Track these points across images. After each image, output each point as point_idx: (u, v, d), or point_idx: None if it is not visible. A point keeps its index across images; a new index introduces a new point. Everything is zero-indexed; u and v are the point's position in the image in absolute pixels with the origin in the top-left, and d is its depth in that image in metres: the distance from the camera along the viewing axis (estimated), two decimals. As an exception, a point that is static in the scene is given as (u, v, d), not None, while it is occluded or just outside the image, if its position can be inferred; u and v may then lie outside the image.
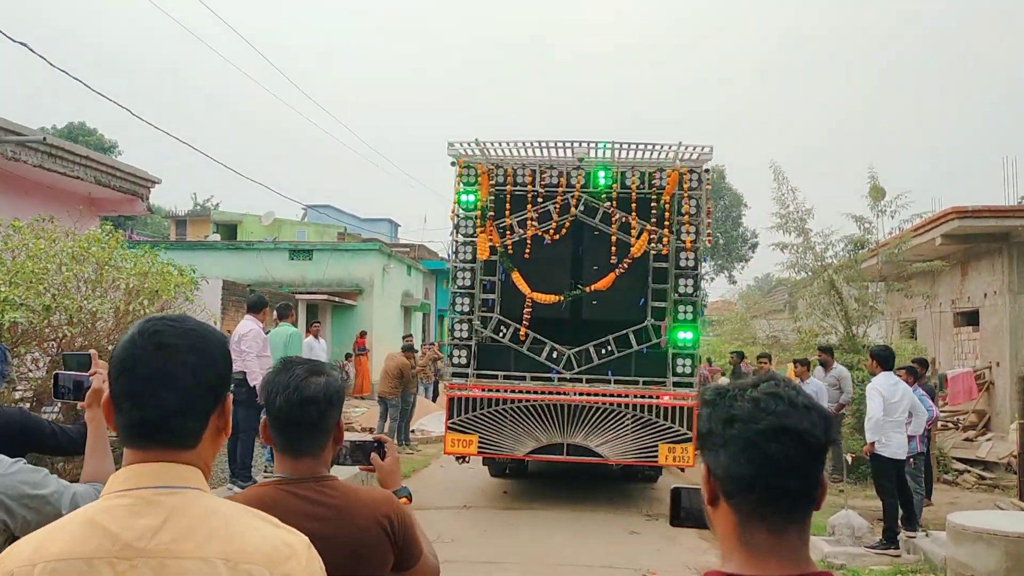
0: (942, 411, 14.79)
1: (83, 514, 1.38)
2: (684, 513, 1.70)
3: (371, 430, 15.59)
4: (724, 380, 29.14)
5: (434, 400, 19.20)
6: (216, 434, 1.49)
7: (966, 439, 14.11)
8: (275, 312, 10.22)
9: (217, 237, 29.23)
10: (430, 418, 17.42)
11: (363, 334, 22.35)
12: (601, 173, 9.77)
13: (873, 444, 8.22)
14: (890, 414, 8.23)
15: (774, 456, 1.35)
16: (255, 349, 8.73)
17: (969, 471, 12.46)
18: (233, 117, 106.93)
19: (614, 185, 9.78)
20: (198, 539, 1.34)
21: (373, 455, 2.37)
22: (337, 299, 22.34)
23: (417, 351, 16.16)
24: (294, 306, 15.27)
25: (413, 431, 15.54)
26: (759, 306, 35.08)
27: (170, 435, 1.41)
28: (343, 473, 7.56)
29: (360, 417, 17.06)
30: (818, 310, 16.28)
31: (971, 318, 17.93)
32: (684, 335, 9.70)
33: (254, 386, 8.58)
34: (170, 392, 1.41)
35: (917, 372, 9.78)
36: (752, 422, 1.38)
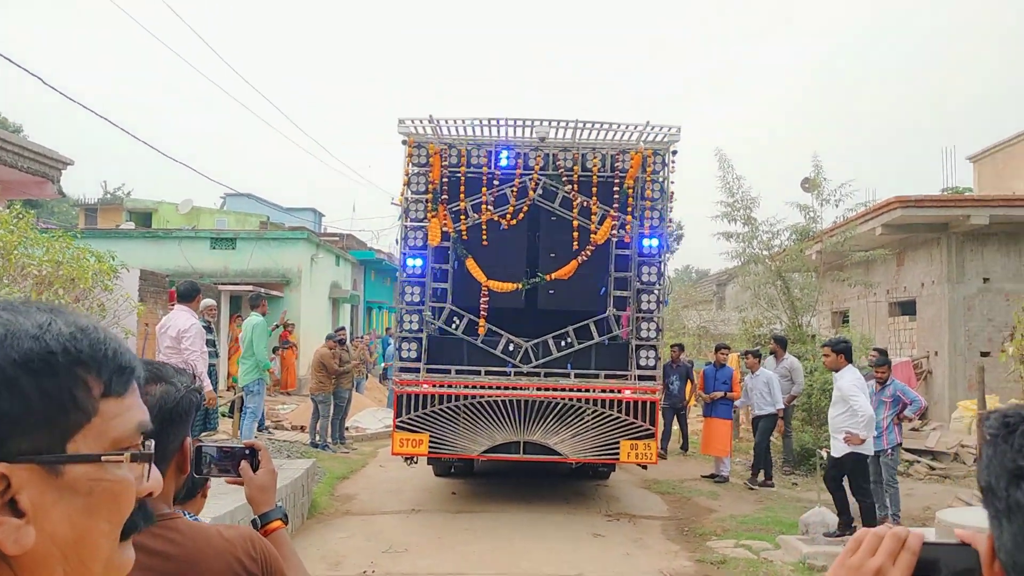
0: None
1: None
2: None
3: (303, 428, 14.75)
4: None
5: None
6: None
7: (913, 429, 14.07)
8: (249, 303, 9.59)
9: (131, 225, 27.69)
10: (364, 414, 16.66)
11: (288, 326, 21.32)
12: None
13: (856, 440, 7.90)
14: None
15: None
16: (198, 347, 7.86)
17: (919, 461, 12.37)
18: (140, 101, 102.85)
19: (575, 167, 9.22)
20: None
21: (243, 466, 1.92)
22: (263, 290, 21.24)
23: (346, 343, 15.28)
24: (208, 296, 14.35)
25: (348, 428, 14.73)
26: (688, 296, 35.35)
27: None
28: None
29: (290, 414, 16.17)
30: (763, 299, 16.11)
31: (907, 307, 18.06)
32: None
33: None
34: None
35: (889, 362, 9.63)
36: None
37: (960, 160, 22.48)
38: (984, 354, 15.20)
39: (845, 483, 8.14)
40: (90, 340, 0.88)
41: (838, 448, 8.01)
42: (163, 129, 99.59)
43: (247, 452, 1.94)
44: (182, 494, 1.82)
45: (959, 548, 1.00)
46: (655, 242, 9.23)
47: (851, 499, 8.11)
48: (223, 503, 6.63)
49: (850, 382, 8.00)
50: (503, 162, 9.21)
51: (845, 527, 7.95)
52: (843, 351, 8.21)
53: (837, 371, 8.23)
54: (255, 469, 1.94)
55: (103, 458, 0.85)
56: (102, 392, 0.87)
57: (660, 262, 9.28)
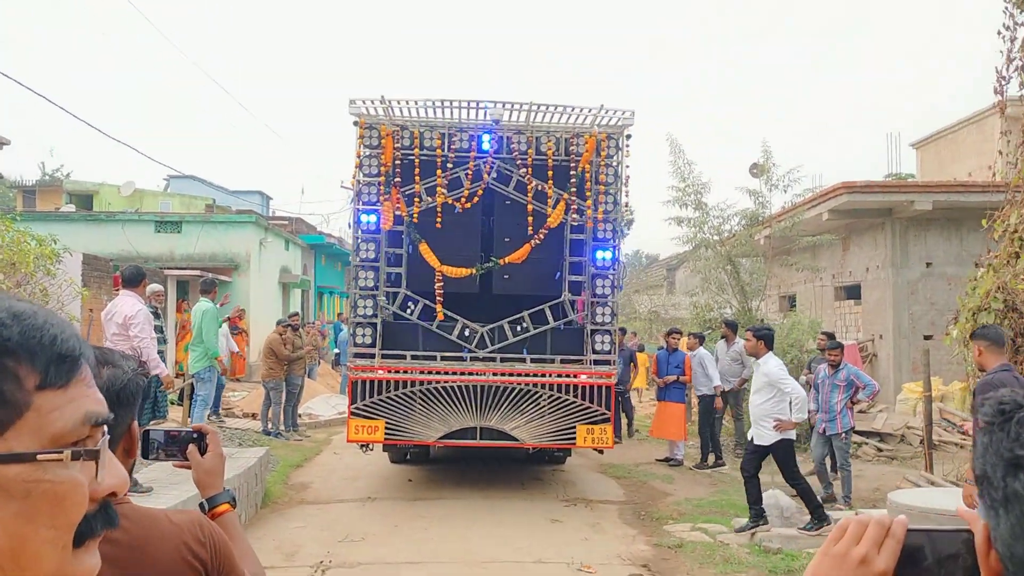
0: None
1: None
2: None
3: (254, 415, 14.53)
4: None
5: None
6: None
7: (860, 411, 14.34)
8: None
9: (72, 208, 26.92)
10: (317, 401, 16.46)
11: (238, 311, 20.96)
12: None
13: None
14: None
15: None
16: (148, 333, 7.58)
17: (867, 443, 12.63)
18: (78, 79, 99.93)
19: (529, 151, 9.16)
20: None
21: (190, 449, 1.93)
22: (210, 275, 20.85)
23: (299, 329, 15.07)
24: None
25: (300, 415, 14.55)
26: (639, 281, 35.63)
27: None
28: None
29: (240, 401, 15.91)
30: (713, 284, 16.29)
31: (852, 292, 18.40)
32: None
33: (157, 375, 7.53)
34: None
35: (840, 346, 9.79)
36: None
37: (905, 146, 22.92)
38: (927, 337, 15.56)
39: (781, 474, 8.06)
40: (22, 327, 0.79)
41: (766, 436, 7.78)
42: (102, 108, 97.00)
43: (195, 436, 1.94)
44: (145, 456, 1.88)
45: (944, 534, 0.99)
46: (608, 226, 9.22)
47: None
48: (176, 493, 6.50)
49: (777, 366, 7.80)
50: (456, 144, 9.11)
51: (758, 517, 7.80)
52: (764, 337, 7.94)
53: (758, 357, 8.01)
54: (203, 453, 1.93)
55: (39, 457, 0.76)
56: (38, 384, 0.78)
57: (614, 247, 9.28)
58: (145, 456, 1.92)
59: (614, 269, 9.29)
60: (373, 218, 9.10)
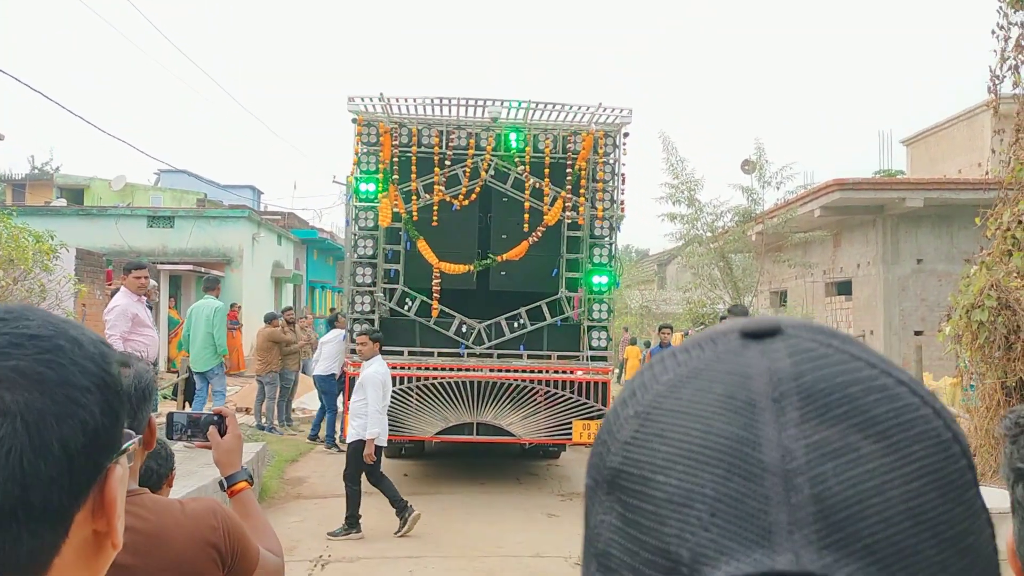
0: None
1: None
2: None
3: (247, 410, 14.54)
4: None
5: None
6: (91, 549, 0.74)
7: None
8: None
9: (63, 202, 26.80)
10: (311, 396, 16.46)
11: (233, 307, 20.95)
12: (512, 136, 9.16)
13: None
14: None
15: None
16: (120, 329, 7.34)
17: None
18: (65, 71, 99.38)
19: (527, 149, 9.21)
20: None
21: (211, 431, 2.06)
22: (203, 270, 20.82)
23: (295, 323, 15.08)
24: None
25: (294, 409, 14.57)
26: (631, 276, 35.71)
27: None
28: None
29: (235, 396, 15.89)
30: (705, 280, 16.41)
31: (843, 288, 18.54)
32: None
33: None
34: None
35: None
36: None
37: (896, 143, 23.06)
38: (918, 333, 15.71)
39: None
40: None
41: (351, 432, 7.66)
42: (92, 102, 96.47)
43: (215, 419, 2.06)
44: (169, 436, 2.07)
45: None
46: (605, 224, 9.28)
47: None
48: (191, 481, 6.59)
49: (374, 372, 7.64)
50: (454, 142, 9.15)
51: (351, 527, 7.55)
52: (379, 340, 7.86)
53: (368, 360, 7.76)
54: (222, 434, 2.05)
55: (132, 443, 0.82)
56: None
57: (611, 244, 9.35)
58: (169, 437, 2.08)
59: (610, 266, 9.36)
60: (370, 215, 9.14)
